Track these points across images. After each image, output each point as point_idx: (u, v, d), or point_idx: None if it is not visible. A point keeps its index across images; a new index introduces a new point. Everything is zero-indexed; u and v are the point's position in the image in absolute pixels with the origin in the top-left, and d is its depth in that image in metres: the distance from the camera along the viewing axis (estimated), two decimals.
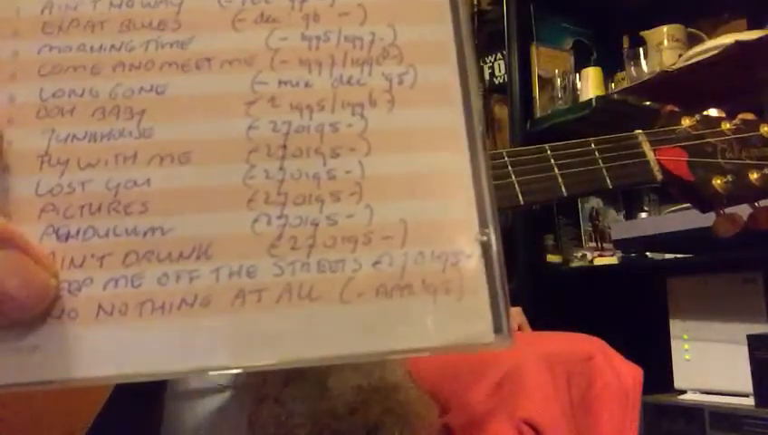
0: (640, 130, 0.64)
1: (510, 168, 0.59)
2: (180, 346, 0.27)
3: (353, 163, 0.30)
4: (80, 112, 0.30)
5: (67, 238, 0.28)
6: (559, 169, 0.59)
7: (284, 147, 0.30)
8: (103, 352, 0.27)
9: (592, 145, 0.61)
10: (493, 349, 0.28)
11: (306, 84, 0.31)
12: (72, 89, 0.30)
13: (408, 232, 0.29)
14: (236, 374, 0.79)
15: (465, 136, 0.30)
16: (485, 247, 0.29)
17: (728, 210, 0.64)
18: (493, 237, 0.29)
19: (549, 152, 0.60)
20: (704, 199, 0.62)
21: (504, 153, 0.59)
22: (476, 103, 0.31)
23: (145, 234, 0.29)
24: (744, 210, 0.64)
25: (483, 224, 0.29)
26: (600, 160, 0.61)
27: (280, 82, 0.31)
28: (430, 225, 0.29)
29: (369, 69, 0.31)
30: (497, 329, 0.28)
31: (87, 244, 0.28)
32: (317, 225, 0.29)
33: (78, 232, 0.28)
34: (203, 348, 0.28)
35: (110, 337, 0.27)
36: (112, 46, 0.31)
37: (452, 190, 0.30)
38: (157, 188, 0.29)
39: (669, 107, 0.66)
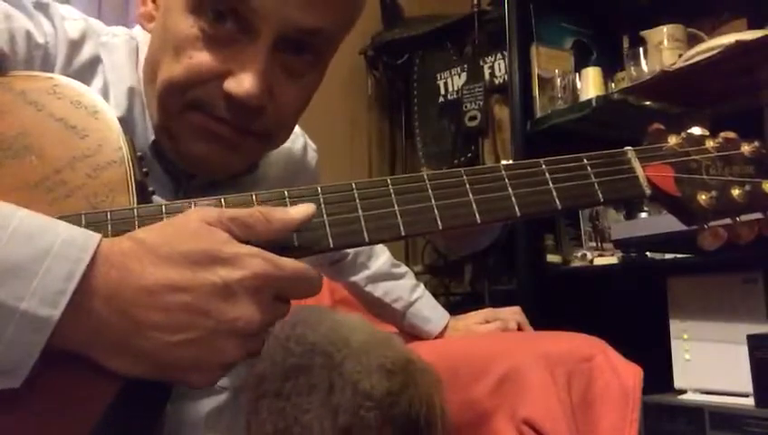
0: (630, 147, 0.66)
1: (507, 181, 0.60)
2: None
3: None
4: None
5: None
6: (553, 184, 0.62)
7: None
8: None
9: (585, 160, 0.64)
10: None
11: None
12: None
13: None
14: (234, 376, 0.79)
15: None
16: None
17: (710, 224, 0.66)
18: None
19: (544, 167, 0.62)
20: (689, 214, 0.65)
21: (502, 167, 0.61)
22: None
23: None
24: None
25: None
26: (592, 175, 0.63)
27: None
28: None
29: None
30: None
31: None
32: None
33: None
34: None
35: None
36: None
37: None
38: None
39: (656, 125, 0.69)
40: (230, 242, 0.48)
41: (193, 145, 0.65)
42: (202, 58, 0.62)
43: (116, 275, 0.45)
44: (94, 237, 0.45)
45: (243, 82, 0.61)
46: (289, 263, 0.50)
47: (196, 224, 0.48)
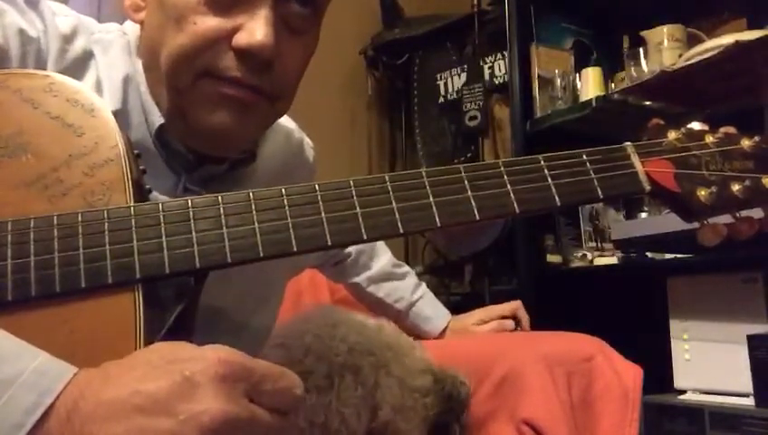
0: (629, 143, 0.65)
1: (506, 177, 0.60)
2: None
3: None
4: None
5: None
6: (552, 180, 0.61)
7: None
8: None
9: (584, 157, 0.63)
10: None
11: None
12: None
13: None
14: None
15: None
16: None
17: (710, 220, 0.65)
18: None
19: (543, 163, 0.62)
20: (689, 210, 0.64)
21: (501, 163, 0.61)
22: None
23: None
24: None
25: None
26: (591, 171, 0.62)
27: None
28: None
29: None
30: None
31: None
32: None
33: None
34: None
35: None
36: None
37: None
38: None
39: (655, 120, 0.69)
40: (191, 346, 0.45)
41: (209, 117, 0.64)
42: (207, 21, 0.62)
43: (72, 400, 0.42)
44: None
45: (254, 33, 0.61)
46: (261, 360, 0.46)
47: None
